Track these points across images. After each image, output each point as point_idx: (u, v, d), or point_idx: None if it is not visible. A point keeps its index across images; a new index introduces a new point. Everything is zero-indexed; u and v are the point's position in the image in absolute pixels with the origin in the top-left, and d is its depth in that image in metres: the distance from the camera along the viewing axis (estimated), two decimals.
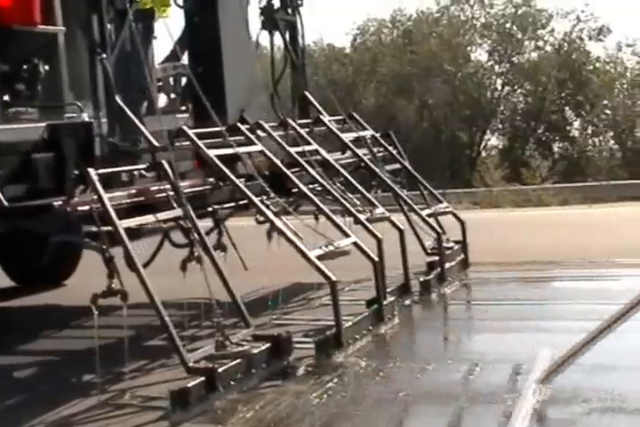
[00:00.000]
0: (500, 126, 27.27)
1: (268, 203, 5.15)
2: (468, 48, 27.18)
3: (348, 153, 6.32)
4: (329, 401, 3.77)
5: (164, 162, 4.45)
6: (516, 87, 27.12)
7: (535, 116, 26.38)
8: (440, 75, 26.28)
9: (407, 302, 5.53)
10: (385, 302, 5.03)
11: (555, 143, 26.59)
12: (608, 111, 25.76)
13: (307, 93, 6.74)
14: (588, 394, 3.62)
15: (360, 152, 6.33)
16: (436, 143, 26.00)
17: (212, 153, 4.84)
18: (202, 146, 4.83)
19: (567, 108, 26.55)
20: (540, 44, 26.91)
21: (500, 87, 27.09)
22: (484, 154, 26.65)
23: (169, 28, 5.19)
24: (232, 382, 3.91)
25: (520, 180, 21.27)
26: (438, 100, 26.10)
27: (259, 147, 5.23)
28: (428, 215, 6.20)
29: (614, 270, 6.45)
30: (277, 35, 6.60)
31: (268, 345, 4.20)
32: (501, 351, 4.49)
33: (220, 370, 3.83)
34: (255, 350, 4.12)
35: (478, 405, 3.62)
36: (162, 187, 4.50)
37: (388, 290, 5.29)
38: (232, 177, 4.80)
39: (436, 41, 26.77)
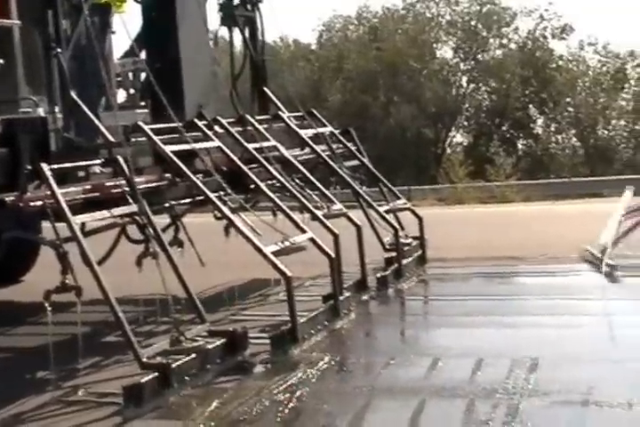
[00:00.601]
0: (465, 123, 27.48)
1: (225, 199, 5.17)
2: (434, 45, 27.33)
3: (308, 149, 6.34)
4: (290, 396, 3.77)
5: (120, 158, 4.44)
6: (480, 85, 27.32)
7: (499, 114, 26.60)
8: (406, 72, 26.38)
9: (364, 297, 5.57)
10: (341, 298, 5.05)
11: (519, 140, 26.82)
12: (571, 109, 26.05)
13: (266, 90, 6.75)
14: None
15: (319, 149, 6.35)
16: (401, 140, 26.10)
17: (168, 149, 4.83)
18: (158, 142, 4.82)
19: (531, 105, 26.81)
20: (505, 41, 27.17)
21: (465, 84, 27.29)
22: (449, 151, 26.80)
23: (125, 23, 5.15)
24: (186, 378, 3.91)
25: (484, 176, 21.43)
26: (404, 96, 26.21)
27: (216, 143, 5.23)
28: (386, 211, 6.24)
29: (575, 266, 6.53)
30: (237, 31, 6.60)
31: (223, 341, 4.21)
32: (463, 346, 4.50)
33: (173, 366, 3.84)
34: (210, 346, 4.13)
35: (441, 399, 3.65)
36: (118, 182, 4.49)
37: (345, 286, 5.32)
38: (188, 173, 4.79)
39: (402, 38, 26.88)
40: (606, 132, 25.75)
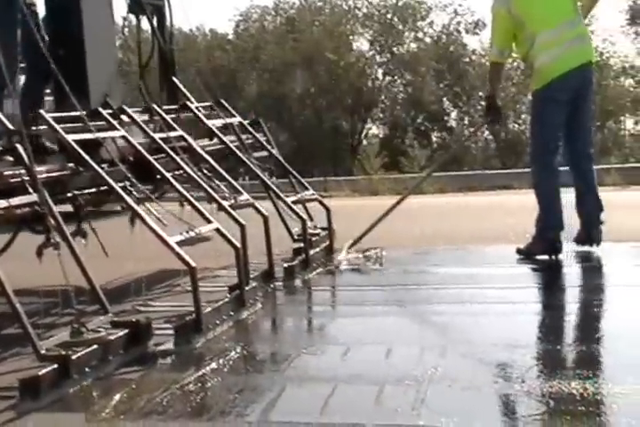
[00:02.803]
0: (381, 115, 27.78)
1: (131, 189, 5.12)
2: (350, 37, 27.53)
3: (216, 140, 6.32)
4: (200, 387, 3.74)
5: (19, 146, 4.35)
6: (396, 77, 27.66)
7: (415, 106, 26.99)
8: (322, 63, 26.49)
9: (270, 287, 5.60)
10: (247, 288, 5.07)
11: (433, 133, 27.29)
12: (483, 103, 26.59)
13: (175, 79, 6.70)
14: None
15: (228, 139, 6.35)
16: (318, 131, 26.23)
17: (70, 138, 4.76)
18: (60, 130, 4.74)
19: (445, 98, 27.28)
20: (420, 35, 27.56)
21: (381, 77, 27.59)
22: (365, 142, 27.08)
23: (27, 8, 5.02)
24: (87, 370, 3.87)
25: (399, 168, 21.72)
26: (321, 88, 26.33)
27: (120, 132, 5.18)
28: (294, 202, 6.28)
29: (483, 255, 6.68)
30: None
31: (126, 331, 4.18)
32: (372, 335, 4.53)
33: (73, 357, 3.78)
34: (112, 337, 4.09)
35: (352, 387, 3.65)
36: (17, 171, 4.39)
37: (252, 276, 5.34)
38: (91, 162, 4.73)
39: (319, 29, 26.98)
40: (517, 125, 26.42)
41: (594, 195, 6.32)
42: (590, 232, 6.33)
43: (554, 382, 3.49)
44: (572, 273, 6.08)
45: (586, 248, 6.38)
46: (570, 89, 6.11)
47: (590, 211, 6.31)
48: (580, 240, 6.38)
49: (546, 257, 6.21)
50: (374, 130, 27.99)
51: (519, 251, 6.34)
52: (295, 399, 3.64)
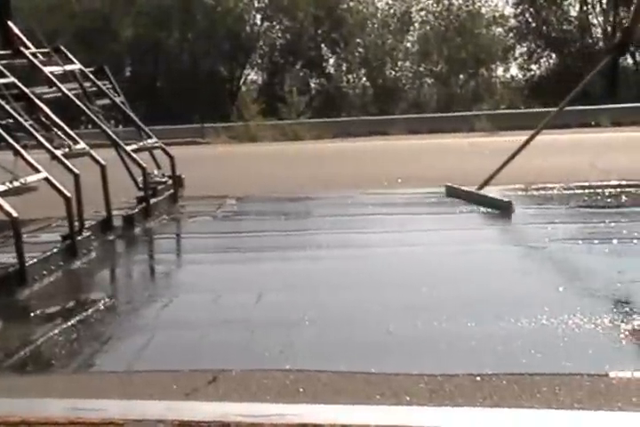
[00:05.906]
0: (260, 61, 27.52)
1: None
2: None
3: (56, 88, 6.16)
4: (49, 342, 3.61)
5: None
6: (274, 23, 27.35)
7: (293, 53, 26.82)
8: (199, 7, 25.93)
9: (109, 237, 5.56)
10: (79, 238, 5.02)
11: (312, 79, 27.24)
12: (361, 49, 26.71)
13: (10, 23, 6.44)
14: None
15: (69, 87, 6.20)
16: (196, 77, 25.79)
17: None
18: None
19: (323, 45, 27.21)
20: None
21: (259, 22, 27.24)
22: (244, 88, 26.83)
23: None
24: None
25: (277, 114, 21.66)
26: (198, 33, 25.82)
27: None
28: (136, 150, 6.22)
29: (360, 199, 6.76)
30: None
31: None
32: (232, 281, 4.50)
33: None
34: None
35: (220, 331, 3.64)
36: None
37: (89, 225, 5.28)
38: None
39: None
40: (393, 72, 26.69)
41: None
42: None
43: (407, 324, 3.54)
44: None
45: None
46: None
47: None
48: None
49: None
50: (253, 76, 27.74)
51: None
52: (162, 347, 3.55)
